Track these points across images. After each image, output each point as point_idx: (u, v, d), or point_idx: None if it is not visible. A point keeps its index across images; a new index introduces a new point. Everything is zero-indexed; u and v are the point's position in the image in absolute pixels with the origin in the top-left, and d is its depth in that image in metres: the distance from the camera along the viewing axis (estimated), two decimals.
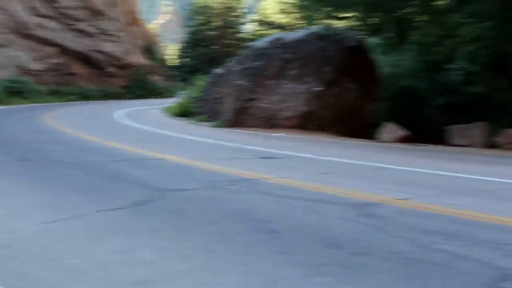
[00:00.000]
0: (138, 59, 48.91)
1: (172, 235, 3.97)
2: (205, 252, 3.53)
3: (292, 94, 18.14)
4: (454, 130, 15.54)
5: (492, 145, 14.23)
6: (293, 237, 3.94)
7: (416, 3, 16.15)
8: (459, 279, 3.01)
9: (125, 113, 26.01)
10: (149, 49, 53.78)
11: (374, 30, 19.58)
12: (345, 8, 18.13)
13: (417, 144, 14.84)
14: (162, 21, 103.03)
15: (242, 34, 60.20)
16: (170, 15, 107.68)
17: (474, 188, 6.50)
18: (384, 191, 5.91)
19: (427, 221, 4.53)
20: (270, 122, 18.15)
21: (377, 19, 18.56)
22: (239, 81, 19.35)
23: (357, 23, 19.77)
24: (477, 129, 14.95)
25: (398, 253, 3.52)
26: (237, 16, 63.78)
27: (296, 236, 3.95)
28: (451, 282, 2.97)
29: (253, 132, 16.80)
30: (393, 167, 8.56)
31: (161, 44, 65.64)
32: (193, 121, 21.80)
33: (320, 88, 17.92)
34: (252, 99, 18.72)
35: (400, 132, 16.19)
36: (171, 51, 70.60)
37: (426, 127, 18.64)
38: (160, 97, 44.54)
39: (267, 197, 5.51)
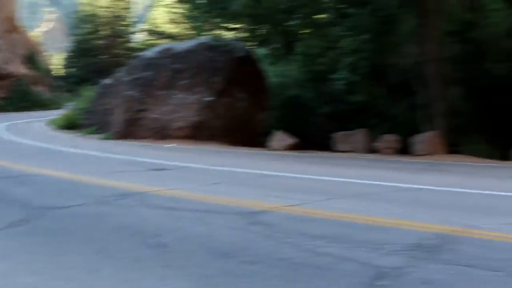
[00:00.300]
0: (19, 68, 45.93)
1: (53, 256, 3.74)
2: (88, 272, 3.36)
3: (183, 104, 18.05)
4: (339, 136, 16.33)
5: (373, 150, 15.16)
6: (182, 249, 3.89)
7: (300, 16, 16.83)
8: (341, 280, 3.15)
9: (5, 126, 24.27)
10: (32, 58, 50.70)
11: (262, 41, 20.10)
12: (233, 20, 18.42)
13: (306, 151, 15.42)
14: (45, 29, 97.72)
15: (132, 43, 58.80)
16: (53, 22, 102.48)
17: (358, 192, 6.85)
18: (274, 199, 6.04)
19: (314, 226, 4.69)
20: (161, 133, 17.89)
21: (264, 30, 19.06)
22: (128, 92, 18.88)
23: (245, 34, 20.16)
24: (359, 135, 15.84)
25: (286, 259, 3.60)
26: (126, 25, 62.17)
27: (185, 248, 3.90)
28: (334, 283, 3.09)
29: (144, 144, 16.45)
30: (283, 174, 8.80)
31: (45, 53, 62.14)
32: (80, 134, 20.87)
33: (211, 98, 18.02)
34: (142, 110, 18.34)
35: (290, 140, 16.70)
36: (56, 61, 67.09)
37: (313, 134, 19.43)
38: (45, 109, 42.09)
39: (156, 210, 5.40)
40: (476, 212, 5.40)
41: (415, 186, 7.31)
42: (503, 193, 6.67)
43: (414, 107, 17.17)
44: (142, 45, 42.30)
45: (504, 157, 15.03)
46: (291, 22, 18.47)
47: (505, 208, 5.70)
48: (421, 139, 14.55)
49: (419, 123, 16.37)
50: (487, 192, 6.80)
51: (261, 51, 21.50)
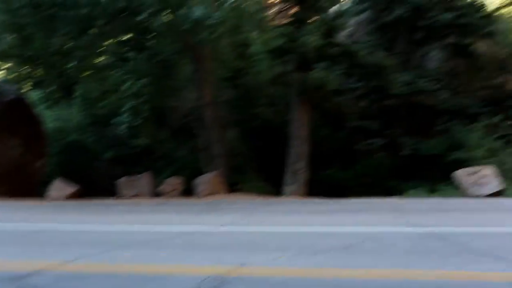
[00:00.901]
0: None
1: None
2: None
3: None
4: (123, 182, 16.04)
5: (158, 194, 15.23)
6: None
7: (76, 59, 16.31)
8: None
9: None
10: None
11: (37, 83, 18.85)
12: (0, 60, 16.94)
13: (89, 199, 14.74)
14: None
15: None
16: None
17: (140, 240, 6.69)
18: (47, 256, 5.54)
19: (89, 283, 4.41)
20: None
21: (38, 72, 17.92)
22: None
23: (17, 75, 18.68)
24: (143, 180, 15.79)
25: None
26: None
27: None
28: None
29: None
30: (60, 227, 8.20)
31: None
32: None
33: None
34: None
35: (70, 188, 15.81)
36: None
37: (97, 180, 18.77)
38: None
39: None
40: (252, 250, 5.73)
41: (196, 227, 7.47)
42: (274, 228, 7.24)
43: (197, 149, 17.88)
44: None
45: (278, 193, 16.59)
46: (69, 64, 17.74)
47: (277, 242, 6.16)
48: (203, 180, 15.14)
49: (202, 165, 17.06)
50: (262, 228, 7.31)
51: (36, 94, 20.13)
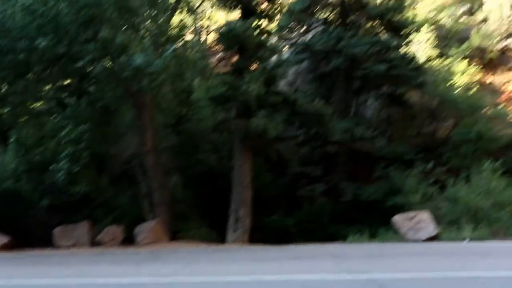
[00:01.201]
0: None
1: None
2: None
3: None
4: (60, 231, 15.43)
5: (97, 243, 14.70)
6: None
7: (11, 104, 15.83)
8: None
9: None
10: None
11: None
12: None
13: (23, 250, 14.07)
14: None
15: None
16: None
17: None
18: None
19: None
20: None
21: None
22: None
23: None
24: (82, 228, 15.25)
25: None
26: None
27: None
28: None
29: None
30: None
31: None
32: None
33: None
34: None
35: (3, 238, 15.03)
36: None
37: (32, 230, 17.90)
38: None
39: None
40: None
41: (135, 279, 7.24)
42: (216, 277, 7.13)
43: (138, 196, 17.50)
44: None
45: (222, 240, 16.44)
46: (4, 110, 17.14)
47: None
48: (145, 228, 14.80)
49: (144, 212, 16.69)
50: (204, 278, 7.19)
51: None
